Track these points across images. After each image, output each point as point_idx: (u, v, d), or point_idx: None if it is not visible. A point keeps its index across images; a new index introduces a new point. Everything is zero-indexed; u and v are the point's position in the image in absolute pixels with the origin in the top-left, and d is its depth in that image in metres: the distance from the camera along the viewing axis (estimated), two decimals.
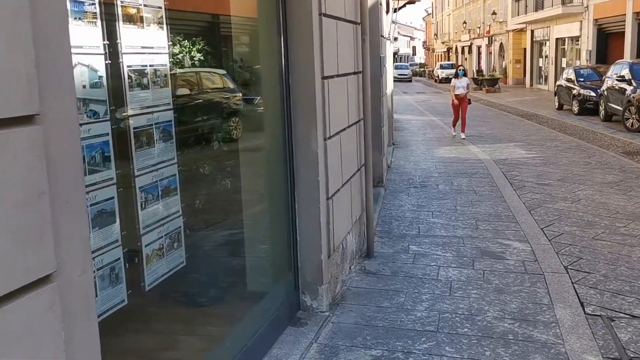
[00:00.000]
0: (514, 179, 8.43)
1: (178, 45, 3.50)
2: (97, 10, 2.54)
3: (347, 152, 4.22)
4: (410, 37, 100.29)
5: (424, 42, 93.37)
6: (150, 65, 2.94)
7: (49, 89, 1.22)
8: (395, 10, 18.17)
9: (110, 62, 2.62)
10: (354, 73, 4.49)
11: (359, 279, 4.51)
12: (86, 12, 2.48)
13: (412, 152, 11.45)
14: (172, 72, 3.15)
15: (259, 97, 3.57)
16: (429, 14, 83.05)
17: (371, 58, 7.73)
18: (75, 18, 2.42)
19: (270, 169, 3.64)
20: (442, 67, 48.14)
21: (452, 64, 47.68)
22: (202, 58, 3.58)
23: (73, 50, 2.42)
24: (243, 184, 3.66)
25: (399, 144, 12.51)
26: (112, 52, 2.73)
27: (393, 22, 14.08)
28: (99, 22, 2.56)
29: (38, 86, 1.16)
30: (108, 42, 2.61)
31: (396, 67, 48.77)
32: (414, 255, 5.07)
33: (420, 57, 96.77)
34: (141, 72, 2.87)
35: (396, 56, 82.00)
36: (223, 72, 3.77)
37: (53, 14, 1.28)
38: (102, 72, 2.57)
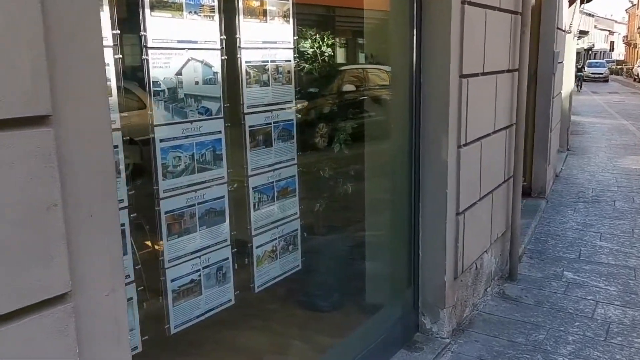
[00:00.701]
0: None
1: (307, 40, 3.37)
2: (216, 3, 2.48)
3: (489, 161, 3.75)
4: (609, 31, 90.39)
5: (625, 37, 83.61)
6: (271, 61, 2.83)
7: (69, 86, 1.11)
8: (585, 1, 16.26)
9: (226, 57, 2.55)
10: (507, 71, 3.96)
11: (494, 304, 4.00)
12: (203, 5, 2.44)
13: (590, 160, 10.16)
14: (299, 68, 3.02)
15: (387, 97, 3.29)
16: (633, 5, 73.95)
17: (542, 53, 6.95)
18: (190, 12, 2.39)
19: (395, 176, 3.34)
20: None
21: None
22: (331, 53, 3.40)
23: (186, 45, 2.44)
24: (365, 190, 3.43)
25: (575, 151, 11.21)
26: (230, 47, 2.68)
27: (585, 13, 12.60)
28: (216, 16, 2.50)
29: (51, 84, 1.05)
30: (226, 37, 2.54)
31: (589, 65, 43.98)
32: (567, 283, 4.38)
33: (619, 54, 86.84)
34: (261, 68, 2.78)
35: (590, 52, 74.51)
36: (384, 68, 3.52)
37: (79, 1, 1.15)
38: (217, 68, 2.51)
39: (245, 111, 2.71)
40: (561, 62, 8.31)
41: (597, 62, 48.36)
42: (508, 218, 4.30)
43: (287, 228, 3.02)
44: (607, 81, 42.44)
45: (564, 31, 8.01)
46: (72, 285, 1.13)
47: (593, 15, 79.57)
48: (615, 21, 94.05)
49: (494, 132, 3.80)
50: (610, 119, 17.73)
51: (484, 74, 3.47)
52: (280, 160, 2.93)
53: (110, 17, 2.04)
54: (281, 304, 3.27)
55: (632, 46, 72.25)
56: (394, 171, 3.33)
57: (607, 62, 57.78)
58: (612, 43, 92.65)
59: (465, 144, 3.29)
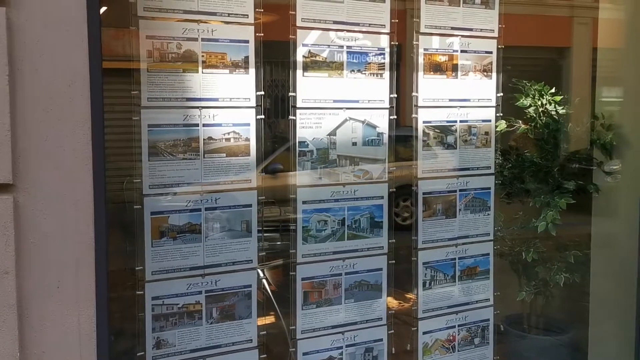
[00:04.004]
0: None
1: (526, 96, 2.79)
2: (386, 60, 2.27)
3: None
4: None
5: None
6: (461, 121, 2.45)
7: (35, 154, 1.09)
8: None
9: (395, 117, 2.31)
10: None
11: None
12: (370, 63, 2.26)
13: None
14: (497, 127, 2.54)
15: (617, 165, 2.46)
16: None
17: None
18: (353, 70, 2.24)
19: (619, 272, 2.46)
20: None
21: None
22: (558, 111, 2.76)
23: (338, 104, 2.25)
24: (591, 287, 2.62)
25: None
26: (401, 105, 2.41)
27: None
28: (386, 74, 2.29)
29: (15, 151, 1.04)
30: (396, 95, 2.31)
31: None
32: None
33: None
34: (445, 129, 2.42)
35: None
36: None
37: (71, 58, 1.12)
38: (383, 128, 2.29)
39: (420, 175, 2.39)
40: None
41: None
42: None
43: (473, 316, 2.52)
44: None
45: None
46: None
47: None
48: None
49: None
50: None
51: None
52: (468, 234, 2.48)
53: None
54: None
55: None
56: (620, 268, 2.46)
57: None
58: None
59: None
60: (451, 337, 2.44)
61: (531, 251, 2.62)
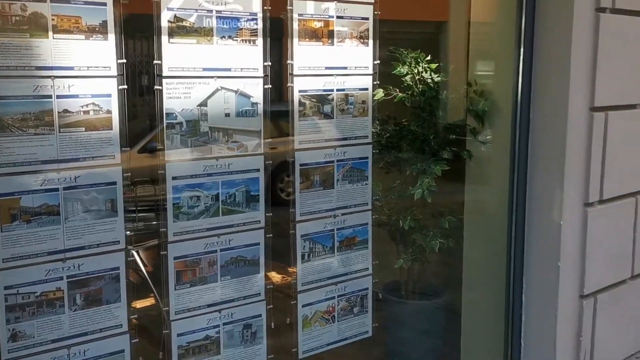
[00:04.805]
0: None
1: (402, 64, 2.84)
2: (259, 26, 2.18)
3: None
4: None
5: None
6: (338, 90, 2.42)
7: None
8: None
9: (271, 86, 2.23)
10: None
11: None
12: (242, 29, 2.16)
13: None
14: (375, 96, 2.56)
15: (488, 135, 2.58)
16: None
17: None
18: (224, 37, 2.13)
19: (493, 240, 2.60)
20: None
21: None
22: (434, 78, 2.83)
23: (208, 73, 2.13)
24: (464, 252, 2.75)
25: None
26: (277, 74, 2.35)
27: None
28: (259, 40, 2.20)
29: None
30: (270, 64, 2.23)
31: None
32: None
33: None
34: (321, 98, 2.39)
35: None
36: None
37: None
38: (257, 98, 2.21)
39: (297, 146, 2.35)
40: None
41: None
42: None
43: (353, 286, 2.55)
44: None
45: None
46: None
47: None
48: None
49: None
50: None
51: None
52: (346, 205, 2.49)
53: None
54: None
55: None
56: (491, 233, 2.60)
57: None
58: None
59: (601, 201, 2.41)
60: (331, 308, 2.45)
61: (408, 219, 2.69)
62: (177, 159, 2.05)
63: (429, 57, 2.75)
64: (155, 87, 2.00)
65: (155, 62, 1.99)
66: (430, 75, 2.77)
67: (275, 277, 2.54)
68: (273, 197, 2.29)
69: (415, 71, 2.76)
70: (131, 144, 1.99)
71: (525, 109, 2.36)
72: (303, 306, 2.40)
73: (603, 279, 2.49)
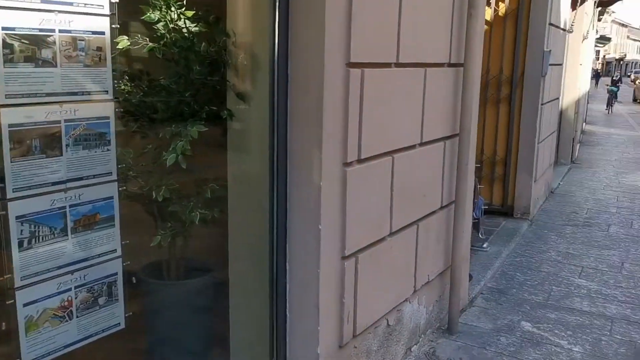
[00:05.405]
0: None
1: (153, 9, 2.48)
2: None
3: (412, 182, 2.85)
4: None
5: None
6: (62, 31, 1.96)
7: None
8: (605, 4, 14.90)
9: None
10: (447, 65, 3.05)
11: None
12: None
13: (594, 174, 9.12)
14: (118, 44, 2.16)
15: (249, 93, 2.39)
16: None
17: (530, 52, 5.98)
18: None
19: (254, 204, 2.46)
20: None
21: None
22: (190, 28, 2.52)
23: None
24: (229, 222, 2.55)
25: (580, 163, 10.16)
26: None
27: (618, 23, 11.41)
28: None
29: None
30: None
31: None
32: (520, 340, 3.44)
33: None
34: (38, 40, 1.90)
35: (621, 62, 71.87)
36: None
37: None
38: None
39: (3, 102, 1.84)
40: (560, 64, 7.31)
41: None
42: (448, 254, 3.38)
43: (96, 273, 2.15)
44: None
45: (562, 29, 7.01)
46: None
47: (626, 26, 76.55)
48: None
49: (421, 145, 2.89)
50: (630, 131, 16.54)
51: (398, 64, 2.57)
52: (83, 175, 2.06)
53: None
54: None
55: None
56: (255, 199, 2.45)
57: (636, 72, 55.41)
58: None
59: (359, 161, 2.39)
60: (66, 303, 2.04)
61: (162, 189, 2.38)
62: None
63: (184, 2, 2.43)
64: None
65: None
66: (185, 23, 2.45)
67: None
68: None
69: (169, 18, 2.42)
70: None
71: (282, 64, 2.19)
72: (25, 305, 1.94)
73: (363, 239, 2.50)
